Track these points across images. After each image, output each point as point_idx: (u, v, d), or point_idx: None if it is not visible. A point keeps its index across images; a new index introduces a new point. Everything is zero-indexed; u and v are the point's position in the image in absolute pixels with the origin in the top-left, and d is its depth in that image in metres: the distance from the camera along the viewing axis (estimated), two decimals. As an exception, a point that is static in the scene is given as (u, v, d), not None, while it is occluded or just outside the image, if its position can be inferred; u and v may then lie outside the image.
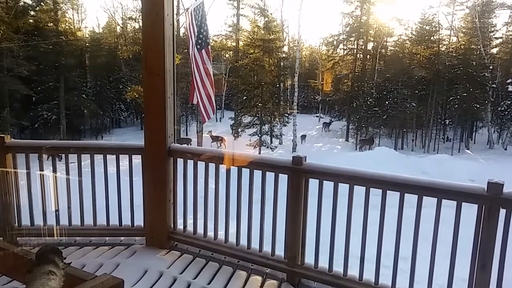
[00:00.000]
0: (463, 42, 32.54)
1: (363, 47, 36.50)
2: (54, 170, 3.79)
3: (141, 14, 3.99)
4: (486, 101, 30.40)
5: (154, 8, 3.52)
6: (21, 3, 27.01)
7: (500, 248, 2.68)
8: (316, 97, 47.78)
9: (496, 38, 34.82)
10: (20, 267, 1.59)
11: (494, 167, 20.03)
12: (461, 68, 29.61)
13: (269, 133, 28.89)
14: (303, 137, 32.04)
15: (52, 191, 3.68)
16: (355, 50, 36.99)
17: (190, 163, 3.79)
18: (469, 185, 2.81)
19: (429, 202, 2.87)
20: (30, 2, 28.78)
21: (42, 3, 28.95)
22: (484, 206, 2.70)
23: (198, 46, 4.11)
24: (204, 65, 4.18)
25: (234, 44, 37.55)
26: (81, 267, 3.35)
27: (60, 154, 4.05)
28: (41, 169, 3.79)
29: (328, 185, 3.19)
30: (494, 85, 30.95)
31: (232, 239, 3.73)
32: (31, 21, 28.04)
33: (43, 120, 27.92)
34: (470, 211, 2.79)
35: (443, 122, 32.95)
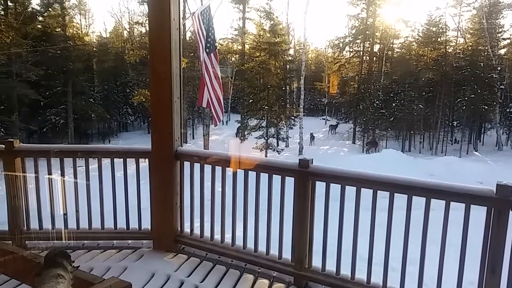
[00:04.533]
0: (471, 43, 32.28)
1: (369, 49, 36.35)
2: (62, 174, 3.82)
3: (147, 18, 4.02)
4: (495, 103, 30.13)
5: (160, 13, 3.54)
6: (30, 9, 27.35)
7: (510, 251, 2.64)
8: (323, 100, 47.67)
9: (504, 39, 34.49)
10: (29, 271, 1.60)
11: (503, 169, 19.82)
12: (469, 70, 29.37)
13: (275, 136, 28.85)
14: (312, 138, 31.95)
15: (60, 195, 3.71)
16: (361, 52, 36.84)
17: (197, 166, 3.80)
18: (478, 187, 2.78)
19: (437, 205, 2.84)
20: (39, 8, 29.16)
21: (50, 9, 29.30)
22: (493, 209, 2.67)
23: (207, 50, 4.13)
24: (213, 68, 4.21)
25: (240, 47, 37.64)
26: (89, 271, 3.36)
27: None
28: (50, 173, 3.83)
29: (335, 188, 3.17)
30: (503, 86, 30.65)
31: (239, 242, 3.73)
32: (39, 26, 28.31)
33: (51, 125, 28.15)
34: (479, 213, 2.76)
35: (451, 124, 32.68)
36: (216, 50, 4.32)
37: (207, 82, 4.13)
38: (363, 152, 29.45)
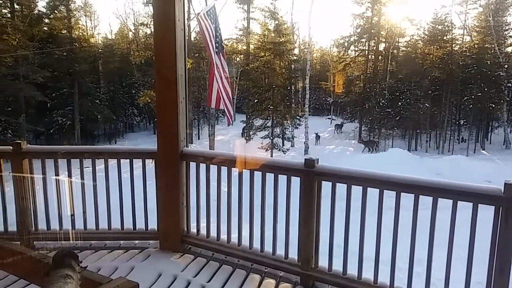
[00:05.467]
0: (477, 41, 32.00)
1: (374, 48, 36.18)
2: (69, 175, 3.85)
3: (152, 19, 4.03)
4: (502, 101, 29.84)
5: (165, 14, 3.56)
6: (36, 11, 27.59)
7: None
8: (328, 99, 47.54)
9: (511, 37, 34.18)
10: (37, 271, 1.61)
11: (511, 167, 19.62)
12: (475, 68, 29.13)
13: (280, 135, 28.80)
14: (318, 137, 31.87)
15: (67, 196, 3.74)
16: (366, 51, 36.68)
17: (203, 166, 3.80)
18: (486, 186, 2.76)
19: (445, 204, 2.82)
20: (45, 10, 29.44)
21: (56, 11, 29.51)
22: (501, 208, 2.65)
23: (217, 50, 4.13)
24: (223, 68, 4.21)
25: (244, 47, 37.58)
26: (96, 271, 3.39)
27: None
28: (57, 174, 3.85)
29: (341, 187, 3.16)
30: (510, 84, 30.29)
31: (245, 242, 3.73)
32: (45, 28, 28.57)
33: (58, 126, 28.35)
34: (487, 213, 2.74)
35: (457, 123, 32.43)
36: (224, 50, 4.32)
37: (219, 83, 4.11)
38: (369, 151, 29.32)
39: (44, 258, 1.69)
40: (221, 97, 4.15)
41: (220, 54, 4.19)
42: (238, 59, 39.75)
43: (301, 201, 3.33)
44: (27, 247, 3.89)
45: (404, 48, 37.18)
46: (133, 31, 40.52)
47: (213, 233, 3.89)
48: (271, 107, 27.25)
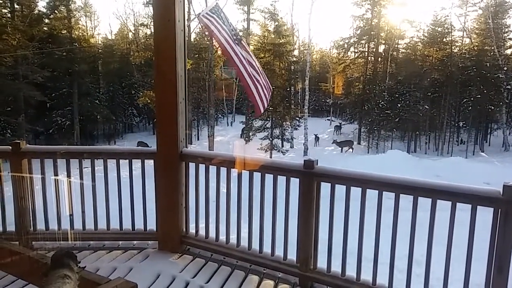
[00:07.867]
0: (477, 44, 32.08)
1: (374, 49, 36.23)
2: (68, 175, 3.85)
3: (152, 20, 4.03)
4: (501, 103, 29.89)
5: (165, 14, 3.56)
6: (36, 12, 27.59)
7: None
8: (327, 101, 47.59)
9: (510, 39, 34.18)
10: (35, 271, 1.61)
11: (510, 169, 19.65)
12: (475, 70, 29.19)
13: (280, 136, 28.83)
14: (317, 138, 31.88)
15: (66, 196, 3.73)
16: (366, 53, 36.73)
17: (202, 167, 3.80)
18: (484, 188, 2.76)
19: (444, 205, 2.83)
20: (45, 10, 29.48)
21: (56, 11, 29.54)
22: (500, 210, 2.65)
23: (236, 42, 3.88)
24: (249, 57, 3.86)
25: (244, 48, 37.63)
26: (95, 271, 3.38)
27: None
28: (56, 174, 3.85)
29: (340, 189, 3.17)
30: (509, 87, 30.35)
31: (244, 243, 3.73)
32: (45, 28, 28.58)
33: (57, 126, 28.35)
34: (486, 214, 2.75)
35: (456, 125, 32.48)
36: (243, 41, 4.01)
37: (251, 74, 3.74)
38: (368, 153, 29.33)
39: (43, 258, 1.69)
40: (256, 89, 3.79)
41: (239, 45, 3.87)
42: (238, 60, 39.75)
43: (300, 202, 3.32)
44: (26, 247, 3.88)
45: (403, 50, 37.28)
46: (133, 31, 40.54)
47: (212, 233, 3.88)
48: (270, 108, 27.23)
